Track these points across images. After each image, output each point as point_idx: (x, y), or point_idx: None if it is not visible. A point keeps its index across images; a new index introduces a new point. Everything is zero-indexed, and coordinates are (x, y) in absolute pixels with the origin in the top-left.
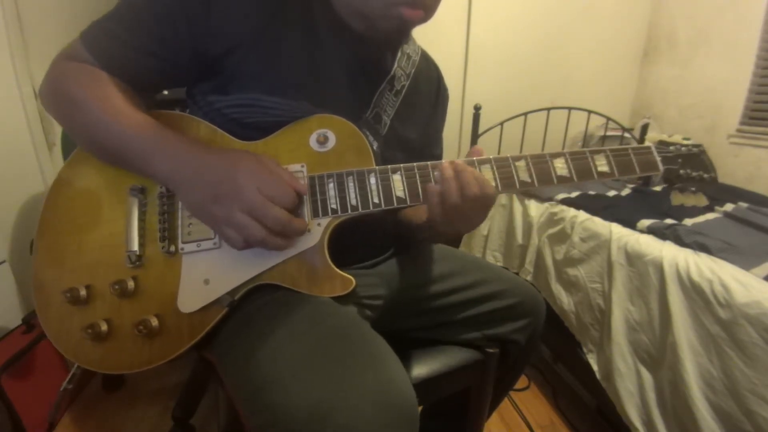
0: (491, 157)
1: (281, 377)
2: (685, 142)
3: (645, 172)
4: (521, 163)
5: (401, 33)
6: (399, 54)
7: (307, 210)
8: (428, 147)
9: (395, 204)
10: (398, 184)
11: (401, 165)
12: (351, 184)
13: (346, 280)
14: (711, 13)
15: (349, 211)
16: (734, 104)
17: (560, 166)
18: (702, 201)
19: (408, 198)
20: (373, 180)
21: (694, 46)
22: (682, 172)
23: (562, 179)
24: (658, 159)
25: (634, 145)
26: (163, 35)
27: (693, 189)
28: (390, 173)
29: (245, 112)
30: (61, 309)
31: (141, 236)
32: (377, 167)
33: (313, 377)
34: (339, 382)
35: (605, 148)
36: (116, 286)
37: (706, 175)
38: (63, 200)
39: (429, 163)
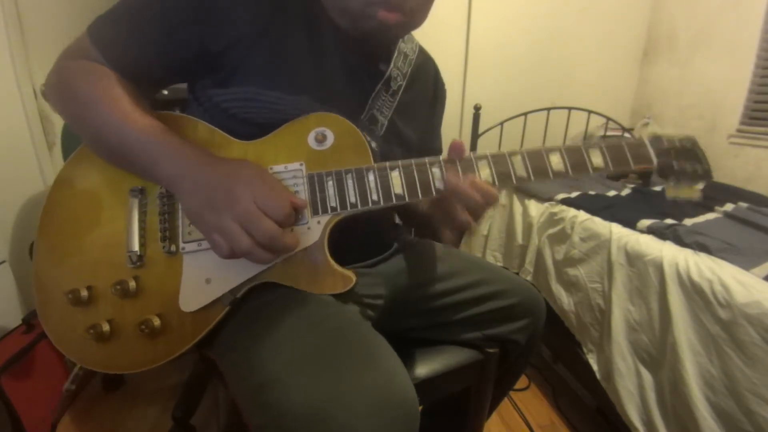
0: (488, 153)
1: (282, 376)
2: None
3: (639, 165)
4: (517, 158)
5: (382, 35)
6: (396, 53)
7: (307, 210)
8: (428, 142)
9: (394, 201)
10: (396, 181)
11: (399, 162)
12: (350, 182)
13: (347, 276)
14: (711, 13)
15: (349, 208)
16: (734, 104)
17: (556, 161)
18: (696, 193)
19: (406, 195)
20: (371, 177)
21: (694, 46)
22: (676, 166)
23: (557, 174)
24: (652, 152)
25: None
26: (170, 30)
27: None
28: (388, 170)
29: (244, 106)
30: (62, 310)
31: (142, 236)
32: (375, 164)
33: (314, 376)
34: (339, 381)
35: (600, 143)
36: (118, 287)
37: (700, 169)
38: (63, 200)
39: (426, 159)
